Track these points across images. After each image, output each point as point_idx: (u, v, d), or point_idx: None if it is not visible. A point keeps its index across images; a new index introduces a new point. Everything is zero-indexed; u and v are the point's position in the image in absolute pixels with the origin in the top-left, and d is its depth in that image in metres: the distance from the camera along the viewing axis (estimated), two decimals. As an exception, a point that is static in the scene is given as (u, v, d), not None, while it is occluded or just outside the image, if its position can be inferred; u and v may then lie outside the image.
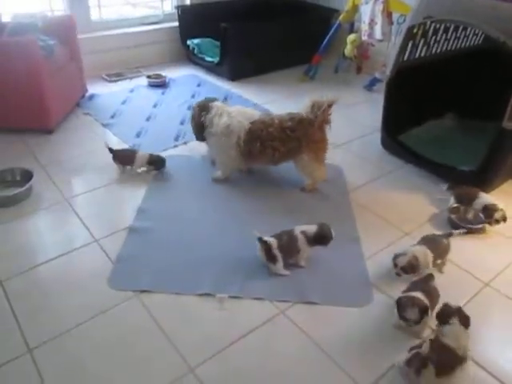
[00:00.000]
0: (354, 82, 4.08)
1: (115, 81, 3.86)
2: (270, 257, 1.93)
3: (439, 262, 1.99)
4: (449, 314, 1.59)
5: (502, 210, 2.26)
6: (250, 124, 2.38)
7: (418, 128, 3.14)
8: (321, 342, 1.68)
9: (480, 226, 2.27)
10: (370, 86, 3.91)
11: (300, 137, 2.38)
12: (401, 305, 1.69)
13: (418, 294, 1.69)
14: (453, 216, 2.32)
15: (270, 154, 2.40)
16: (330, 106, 2.37)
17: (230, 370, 1.58)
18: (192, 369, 1.57)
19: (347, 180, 2.67)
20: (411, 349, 1.56)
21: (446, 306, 1.64)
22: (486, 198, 2.35)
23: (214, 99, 2.57)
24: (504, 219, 2.25)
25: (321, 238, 1.96)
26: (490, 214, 2.26)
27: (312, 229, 1.97)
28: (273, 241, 1.93)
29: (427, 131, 3.14)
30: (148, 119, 3.25)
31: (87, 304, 1.79)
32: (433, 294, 1.73)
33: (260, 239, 1.92)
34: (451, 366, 1.48)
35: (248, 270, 1.98)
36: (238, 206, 2.40)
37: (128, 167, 2.60)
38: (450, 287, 1.89)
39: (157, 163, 2.60)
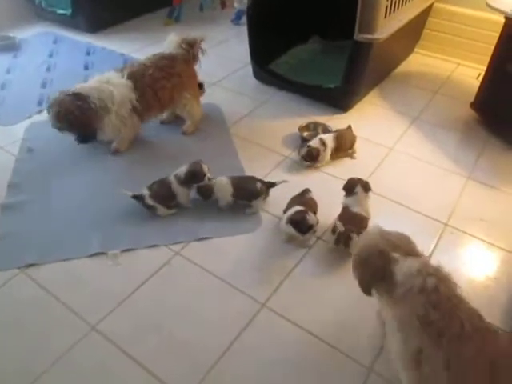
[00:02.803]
0: (220, 17, 4.01)
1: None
2: (148, 207, 1.94)
3: (249, 202, 2.01)
4: (353, 185, 1.86)
5: (309, 147, 2.23)
6: (130, 81, 2.21)
7: (286, 55, 3.21)
8: (217, 272, 1.76)
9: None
10: (237, 20, 3.86)
11: (180, 72, 2.35)
12: (298, 220, 1.78)
13: (298, 208, 1.81)
14: (304, 134, 2.45)
15: (161, 97, 2.32)
16: (199, 42, 2.39)
17: (131, 317, 1.60)
18: (93, 326, 1.56)
19: (226, 116, 2.68)
20: (333, 230, 1.82)
21: (350, 179, 1.89)
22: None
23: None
24: (310, 158, 2.23)
25: (192, 176, 1.95)
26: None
27: (183, 170, 1.97)
28: (144, 192, 1.93)
29: (294, 56, 3.23)
30: (2, 87, 2.93)
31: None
32: (310, 203, 1.87)
33: (132, 196, 1.93)
34: (365, 226, 1.80)
35: (137, 221, 1.96)
36: (118, 163, 2.32)
37: None
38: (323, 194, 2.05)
39: None
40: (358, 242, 1.70)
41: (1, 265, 1.78)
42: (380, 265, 1.25)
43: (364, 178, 2.18)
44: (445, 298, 1.12)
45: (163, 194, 1.94)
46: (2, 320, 1.60)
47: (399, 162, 2.35)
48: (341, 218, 1.83)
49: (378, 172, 2.27)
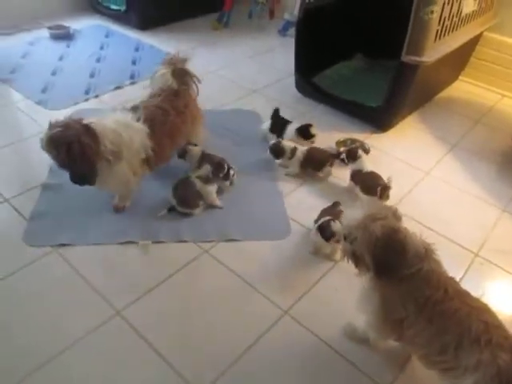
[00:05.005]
0: (268, 27, 4.07)
1: (10, 33, 3.53)
2: (181, 214, 2.01)
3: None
4: (355, 150, 2.17)
5: (278, 141, 2.30)
6: (147, 127, 1.90)
7: (330, 69, 3.23)
8: (243, 274, 1.77)
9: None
10: (284, 31, 3.92)
11: (192, 110, 2.18)
12: (323, 227, 1.80)
13: (328, 217, 1.82)
14: (341, 149, 2.40)
15: (176, 143, 2.12)
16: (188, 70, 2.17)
17: (156, 308, 1.63)
18: (119, 311, 1.59)
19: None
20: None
21: (350, 148, 2.11)
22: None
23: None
24: (272, 151, 2.29)
25: (220, 168, 2.05)
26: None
27: (207, 168, 2.04)
28: (172, 201, 1.99)
29: (338, 72, 3.24)
30: (54, 73, 3.05)
31: (3, 262, 1.75)
32: (340, 216, 1.87)
33: (168, 212, 2.00)
34: (382, 181, 2.07)
35: (170, 215, 2.00)
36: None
37: None
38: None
39: None
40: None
41: (35, 241, 1.84)
42: (406, 248, 1.23)
43: (398, 199, 2.20)
44: (435, 276, 1.26)
45: (191, 199, 2.00)
46: (31, 294, 1.65)
47: (434, 188, 2.33)
48: (362, 181, 2.09)
49: (413, 195, 2.26)
